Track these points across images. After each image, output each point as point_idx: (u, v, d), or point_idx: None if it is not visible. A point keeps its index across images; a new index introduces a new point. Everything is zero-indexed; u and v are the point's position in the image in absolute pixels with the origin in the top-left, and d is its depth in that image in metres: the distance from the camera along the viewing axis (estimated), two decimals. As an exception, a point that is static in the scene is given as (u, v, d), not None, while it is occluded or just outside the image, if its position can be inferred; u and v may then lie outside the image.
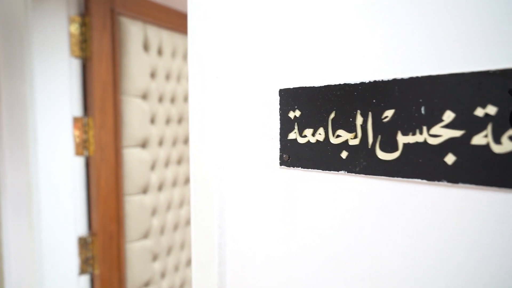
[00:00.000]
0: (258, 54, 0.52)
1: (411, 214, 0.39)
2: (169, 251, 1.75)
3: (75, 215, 1.45)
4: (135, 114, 1.53)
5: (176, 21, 1.73)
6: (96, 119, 1.40)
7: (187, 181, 1.83)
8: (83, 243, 1.44)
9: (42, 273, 1.39)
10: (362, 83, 0.41)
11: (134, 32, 1.52)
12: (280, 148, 0.50)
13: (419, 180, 0.37)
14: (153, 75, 1.62)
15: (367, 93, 0.41)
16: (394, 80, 0.39)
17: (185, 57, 1.78)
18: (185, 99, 1.80)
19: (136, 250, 1.58)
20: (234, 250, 0.57)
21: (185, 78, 1.79)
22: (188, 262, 1.87)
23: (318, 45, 0.45)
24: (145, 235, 1.62)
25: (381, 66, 0.40)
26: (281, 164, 0.50)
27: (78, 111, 1.42)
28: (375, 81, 0.40)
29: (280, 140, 0.50)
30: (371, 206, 0.42)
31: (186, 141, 1.81)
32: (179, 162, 1.78)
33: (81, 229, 1.47)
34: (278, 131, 0.50)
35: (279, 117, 0.50)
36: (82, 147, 1.40)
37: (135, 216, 1.56)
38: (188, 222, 1.86)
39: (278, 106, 0.50)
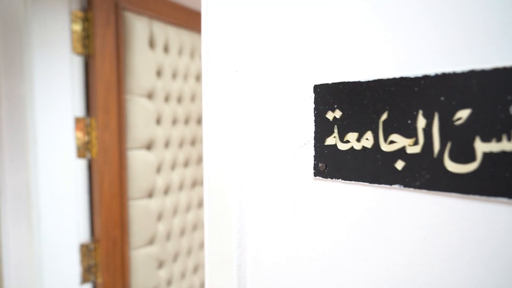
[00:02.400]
0: (287, 42, 0.43)
1: (494, 242, 0.30)
2: (175, 257, 1.67)
3: (77, 221, 1.38)
4: (140, 115, 1.46)
5: (183, 17, 1.66)
6: (99, 120, 1.32)
7: (194, 184, 1.76)
8: (85, 250, 1.37)
9: (42, 282, 1.32)
10: (426, 77, 0.33)
11: (139, 28, 1.44)
12: (314, 156, 0.42)
13: (506, 200, 0.29)
14: (159, 73, 1.54)
15: (433, 89, 0.32)
16: (472, 72, 0.30)
17: (192, 54, 1.70)
18: (192, 98, 1.72)
19: (141, 257, 1.50)
20: (256, 274, 0.49)
21: (192, 76, 1.71)
22: (195, 269, 1.79)
23: (365, 28, 0.37)
24: (150, 241, 1.54)
25: (452, 54, 0.32)
26: (315, 174, 0.42)
27: (80, 111, 1.35)
28: (444, 74, 0.32)
29: (314, 146, 0.42)
30: (436, 230, 0.33)
31: (193, 142, 1.74)
32: (186, 164, 1.70)
33: (83, 235, 1.39)
34: (312, 135, 0.42)
35: (313, 118, 0.42)
36: (84, 149, 1.33)
37: (140, 221, 1.48)
38: (195, 227, 1.78)
39: (313, 105, 0.42)
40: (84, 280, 1.37)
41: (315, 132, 0.41)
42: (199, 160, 1.78)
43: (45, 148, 1.30)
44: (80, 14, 1.31)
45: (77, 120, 1.32)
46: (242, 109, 0.49)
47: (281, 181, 0.45)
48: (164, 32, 1.55)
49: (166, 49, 1.58)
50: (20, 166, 1.32)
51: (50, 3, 1.29)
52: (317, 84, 0.41)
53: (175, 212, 1.66)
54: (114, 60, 1.38)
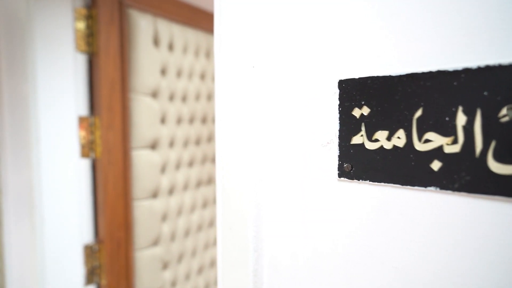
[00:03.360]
0: (309, 34, 0.41)
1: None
2: (179, 258, 1.65)
3: (81, 222, 1.36)
4: (145, 114, 1.43)
5: (187, 15, 1.63)
6: (103, 119, 1.30)
7: (198, 184, 1.73)
8: (89, 251, 1.35)
9: (45, 284, 1.29)
10: (467, 70, 0.30)
11: (144, 25, 1.42)
12: (339, 156, 0.39)
13: (559, 204, 0.27)
14: (163, 71, 1.52)
15: (475, 83, 0.30)
16: (521, 63, 0.28)
17: (197, 53, 1.68)
18: (197, 97, 1.70)
19: (145, 258, 1.48)
20: (274, 280, 0.46)
21: (197, 75, 1.69)
22: (200, 270, 1.77)
23: (395, 17, 0.35)
24: (155, 242, 1.52)
25: (497, 44, 0.29)
26: (340, 175, 0.39)
27: (84, 110, 1.33)
28: (488, 67, 0.29)
29: (339, 145, 0.39)
30: (478, 236, 0.31)
31: (197, 142, 1.71)
32: (190, 164, 1.68)
33: (87, 236, 1.37)
34: (337, 133, 0.39)
35: (338, 115, 0.39)
36: (88, 148, 1.30)
37: (144, 222, 1.46)
38: (199, 228, 1.76)
39: (337, 102, 0.39)
40: (88, 281, 1.35)
41: (339, 131, 0.39)
42: (204, 160, 1.75)
43: (48, 148, 1.28)
44: (83, 11, 1.29)
45: (81, 119, 1.30)
46: (259, 105, 0.46)
47: (301, 182, 0.43)
48: (169, 30, 1.53)
49: (170, 47, 1.55)
50: (22, 166, 1.30)
51: (53, 0, 1.26)
52: (343, 79, 0.38)
53: (179, 212, 1.63)
54: (118, 58, 1.35)
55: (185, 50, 1.62)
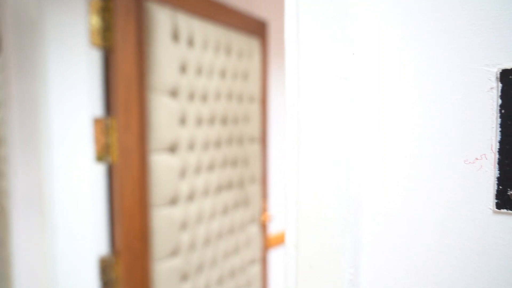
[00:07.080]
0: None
1: None
2: (199, 269, 1.54)
3: (95, 231, 1.25)
4: (163, 114, 1.32)
5: (207, 8, 1.52)
6: (120, 120, 1.19)
7: (218, 189, 1.62)
8: (104, 264, 1.24)
9: (58, 300, 1.19)
10: None
11: (162, 19, 1.31)
12: (498, 178, 0.28)
13: None
14: (183, 69, 1.41)
15: None
16: None
17: (217, 49, 1.57)
18: (217, 97, 1.58)
19: (163, 270, 1.37)
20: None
21: (218, 73, 1.58)
22: (220, 281, 1.66)
23: None
24: (174, 253, 1.41)
25: None
26: (499, 206, 0.27)
27: (99, 110, 1.22)
28: None
29: (499, 163, 0.27)
30: None
31: (218, 144, 1.60)
32: (210, 168, 1.57)
33: (102, 247, 1.27)
34: (496, 146, 0.28)
35: (498, 121, 0.27)
36: (104, 152, 1.19)
37: (162, 231, 1.35)
38: (219, 236, 1.65)
39: (497, 101, 0.27)
40: (104, 297, 1.24)
41: (501, 143, 0.27)
42: (224, 164, 1.64)
43: (60, 151, 1.18)
44: (99, 3, 1.18)
45: (96, 121, 1.19)
46: (361, 103, 0.34)
47: (429, 210, 0.31)
48: (188, 24, 1.42)
49: (190, 43, 1.44)
50: (33, 171, 1.20)
51: (66, -10, 1.16)
52: (508, 68, 0.27)
53: (199, 220, 1.52)
54: (135, 54, 1.24)
55: (205, 46, 1.51)
